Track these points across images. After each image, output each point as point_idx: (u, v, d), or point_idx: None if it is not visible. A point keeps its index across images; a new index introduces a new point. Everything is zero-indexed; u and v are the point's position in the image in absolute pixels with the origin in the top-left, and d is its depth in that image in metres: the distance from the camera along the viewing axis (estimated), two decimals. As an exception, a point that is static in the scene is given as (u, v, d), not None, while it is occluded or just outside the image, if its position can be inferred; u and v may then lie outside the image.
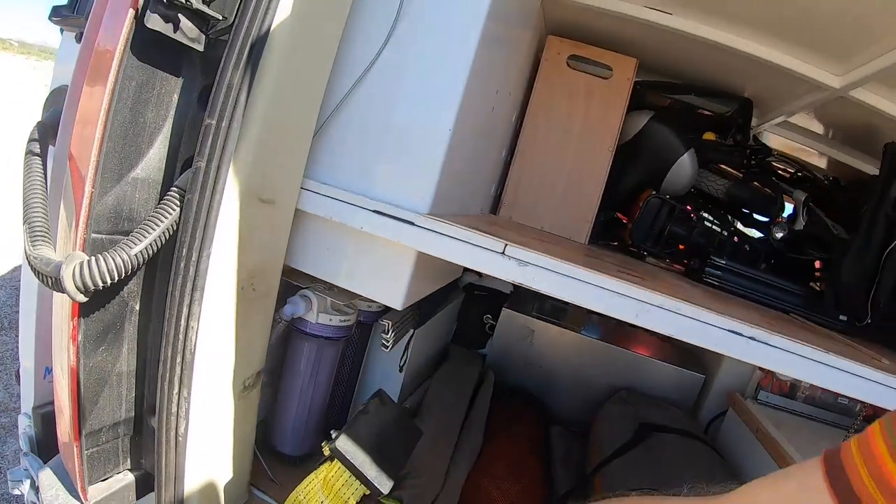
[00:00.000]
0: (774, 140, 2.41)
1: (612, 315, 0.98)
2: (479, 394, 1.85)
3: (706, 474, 1.60)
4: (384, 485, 1.11)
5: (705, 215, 1.93)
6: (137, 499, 1.09)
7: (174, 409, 0.95)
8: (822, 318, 1.75)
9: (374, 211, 1.05)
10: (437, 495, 1.30)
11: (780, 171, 2.42)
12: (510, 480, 1.53)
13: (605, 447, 1.67)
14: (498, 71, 1.35)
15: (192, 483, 1.04)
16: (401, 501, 1.17)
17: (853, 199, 1.92)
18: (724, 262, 1.74)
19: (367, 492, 1.11)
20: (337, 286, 1.24)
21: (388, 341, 1.47)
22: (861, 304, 1.74)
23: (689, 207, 1.88)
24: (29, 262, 0.84)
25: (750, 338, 0.98)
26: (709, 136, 2.10)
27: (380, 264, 1.15)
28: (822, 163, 2.47)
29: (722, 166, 2.24)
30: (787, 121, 2.14)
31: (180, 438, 0.97)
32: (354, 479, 1.10)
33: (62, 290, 0.79)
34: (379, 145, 1.11)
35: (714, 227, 1.95)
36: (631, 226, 1.83)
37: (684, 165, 1.84)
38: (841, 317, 1.77)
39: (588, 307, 0.99)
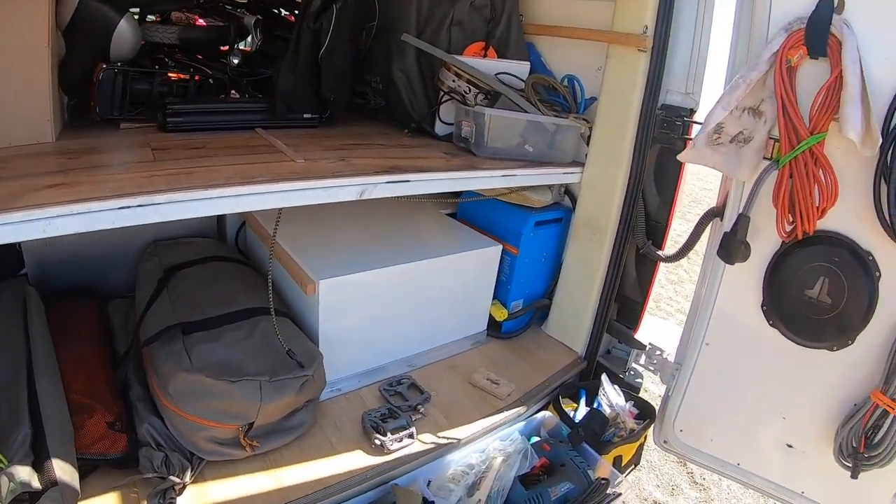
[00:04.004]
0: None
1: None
2: (30, 319, 1.98)
3: (223, 282, 2.10)
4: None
5: (162, 67, 2.26)
6: None
7: None
8: (289, 122, 2.24)
9: None
10: (35, 435, 1.48)
11: (235, 1, 2.84)
12: (84, 379, 1.77)
13: (141, 304, 2.04)
14: None
15: None
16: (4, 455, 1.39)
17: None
18: (179, 105, 2.06)
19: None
20: None
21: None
22: (309, 103, 2.26)
23: (149, 64, 2.18)
24: None
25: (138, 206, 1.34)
26: (155, -12, 2.38)
27: None
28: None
29: (176, 14, 2.59)
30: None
31: None
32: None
33: None
34: None
35: (175, 73, 2.30)
36: (93, 102, 2.07)
37: (124, 31, 2.01)
38: (305, 115, 2.28)
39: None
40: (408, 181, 1.77)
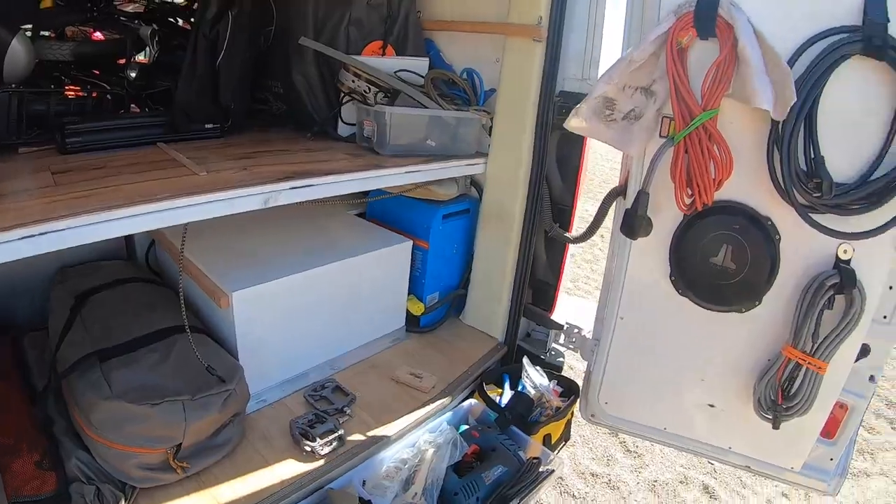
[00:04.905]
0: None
1: None
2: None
3: (136, 304, 2.05)
4: None
5: (58, 86, 2.18)
6: None
7: None
8: (191, 134, 2.19)
9: None
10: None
11: (131, 12, 2.77)
12: (4, 419, 1.74)
13: (55, 334, 1.98)
14: None
15: None
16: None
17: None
18: (77, 124, 1.96)
19: None
20: None
21: None
22: (210, 113, 2.23)
23: (45, 84, 2.10)
24: None
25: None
26: (46, 3, 2.28)
27: None
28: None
29: (71, 29, 2.51)
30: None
31: None
32: None
33: None
34: None
35: (72, 91, 2.22)
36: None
37: (16, 50, 1.94)
38: (207, 125, 2.24)
39: None
40: (311, 185, 1.78)
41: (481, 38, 2.41)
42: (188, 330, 1.78)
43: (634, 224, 1.81)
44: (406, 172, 2.07)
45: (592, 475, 3.18)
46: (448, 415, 2.09)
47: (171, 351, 1.80)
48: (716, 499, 3.24)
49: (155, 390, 1.63)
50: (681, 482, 3.28)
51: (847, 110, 1.57)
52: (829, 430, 1.88)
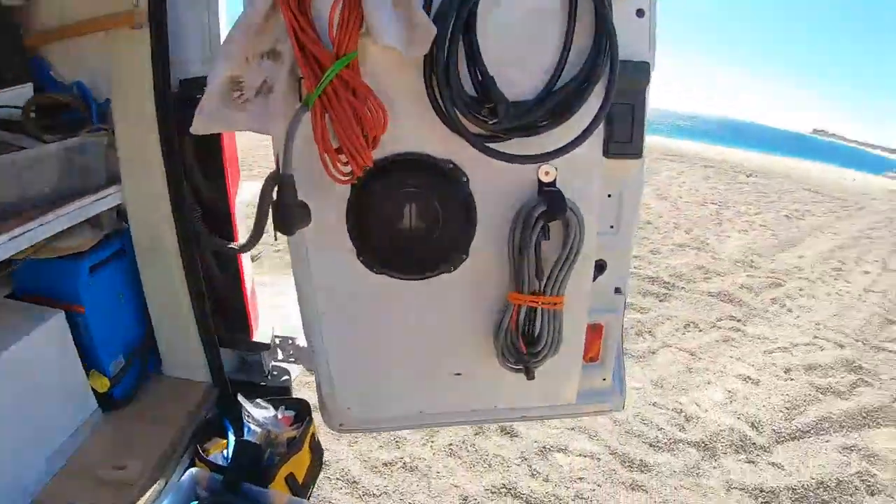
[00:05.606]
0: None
1: None
2: None
3: None
4: None
5: None
6: None
7: None
8: None
9: None
10: None
11: None
12: None
13: None
14: None
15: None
16: None
17: None
18: None
19: None
20: None
21: None
22: None
23: None
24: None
25: None
26: None
27: None
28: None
29: None
30: None
31: None
32: None
33: None
34: None
35: None
36: None
37: None
38: None
39: None
40: None
41: (91, 41, 2.04)
42: None
43: (286, 216, 1.47)
44: (10, 239, 1.64)
45: (385, 465, 3.03)
46: (168, 498, 1.77)
47: None
48: (517, 436, 3.25)
49: None
50: (477, 434, 3.25)
51: (513, 18, 1.41)
52: (592, 355, 1.81)
